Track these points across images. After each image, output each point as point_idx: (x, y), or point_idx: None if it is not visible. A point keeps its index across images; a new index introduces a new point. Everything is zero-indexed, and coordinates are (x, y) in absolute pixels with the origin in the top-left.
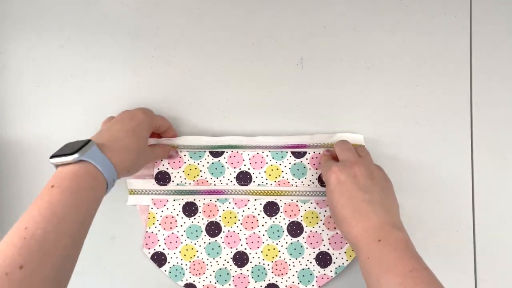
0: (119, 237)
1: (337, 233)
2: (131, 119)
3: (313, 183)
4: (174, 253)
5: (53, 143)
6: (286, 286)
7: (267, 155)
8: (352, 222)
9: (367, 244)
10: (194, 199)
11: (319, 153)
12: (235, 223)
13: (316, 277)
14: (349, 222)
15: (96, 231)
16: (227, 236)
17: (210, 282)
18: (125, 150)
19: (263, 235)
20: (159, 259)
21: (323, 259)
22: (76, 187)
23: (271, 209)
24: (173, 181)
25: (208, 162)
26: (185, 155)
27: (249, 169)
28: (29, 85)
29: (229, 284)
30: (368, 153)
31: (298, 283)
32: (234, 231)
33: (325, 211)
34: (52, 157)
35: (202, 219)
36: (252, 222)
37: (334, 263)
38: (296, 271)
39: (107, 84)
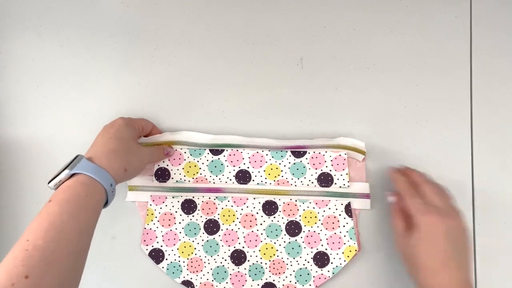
0: (119, 237)
1: (335, 233)
2: (111, 127)
3: (312, 183)
4: (172, 250)
5: (53, 143)
6: (283, 285)
7: (266, 154)
8: (433, 274)
9: None
10: (193, 197)
11: (319, 152)
12: (233, 221)
13: (314, 277)
14: (430, 272)
15: (96, 231)
16: (225, 234)
17: (208, 279)
18: (111, 153)
19: (261, 234)
20: (157, 256)
21: (321, 259)
22: (71, 197)
23: (269, 208)
24: (172, 177)
25: (207, 160)
26: (185, 152)
27: (248, 167)
28: (29, 85)
29: (227, 282)
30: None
31: (295, 283)
32: (232, 229)
33: (324, 211)
34: (49, 182)
35: (201, 216)
36: (251, 221)
37: (332, 263)
38: (294, 271)
39: (107, 84)
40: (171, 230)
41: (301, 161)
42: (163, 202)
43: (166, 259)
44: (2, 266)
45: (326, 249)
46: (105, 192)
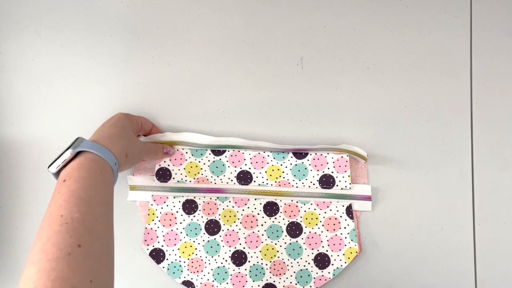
0: (119, 236)
1: (336, 235)
2: (112, 118)
3: (313, 184)
4: (173, 250)
5: (53, 143)
6: (283, 286)
7: (268, 155)
8: None
9: None
10: (194, 197)
11: (321, 154)
12: (234, 222)
13: (314, 278)
14: None
15: None
16: (226, 235)
17: (208, 280)
18: (113, 137)
19: (262, 234)
20: (157, 255)
21: (322, 261)
22: (88, 174)
23: (271, 209)
24: (173, 178)
25: (209, 160)
26: (186, 153)
27: (250, 168)
28: (29, 85)
29: (227, 283)
30: None
31: (296, 284)
32: (233, 230)
33: (325, 212)
34: (49, 166)
35: (202, 217)
36: (252, 222)
37: (333, 264)
38: (294, 272)
39: (107, 84)
40: (172, 230)
41: (302, 162)
42: (164, 202)
43: (167, 259)
44: (48, 241)
45: (327, 251)
46: (112, 171)
